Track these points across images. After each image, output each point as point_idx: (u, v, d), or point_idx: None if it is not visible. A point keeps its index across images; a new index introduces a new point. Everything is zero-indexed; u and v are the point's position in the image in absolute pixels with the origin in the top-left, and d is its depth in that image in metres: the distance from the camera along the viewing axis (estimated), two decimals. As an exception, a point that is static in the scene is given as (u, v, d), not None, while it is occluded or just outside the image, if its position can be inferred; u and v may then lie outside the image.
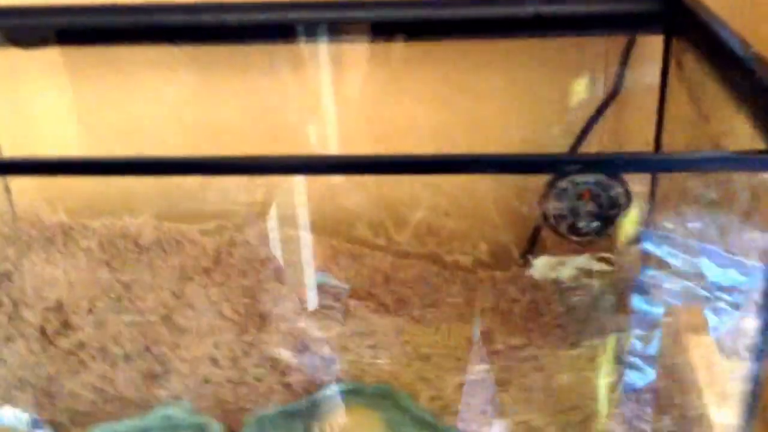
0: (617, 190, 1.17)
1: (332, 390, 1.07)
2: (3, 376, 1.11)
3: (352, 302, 1.23)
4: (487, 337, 1.23)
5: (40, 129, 1.30)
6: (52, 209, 1.32)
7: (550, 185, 1.33)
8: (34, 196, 1.33)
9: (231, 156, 0.74)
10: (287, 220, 1.33)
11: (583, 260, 1.34)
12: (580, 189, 1.30)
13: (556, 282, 1.32)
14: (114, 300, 1.23)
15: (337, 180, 1.28)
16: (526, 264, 1.35)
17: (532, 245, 1.36)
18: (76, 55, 1.24)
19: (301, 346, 1.16)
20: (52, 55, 1.22)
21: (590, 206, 1.29)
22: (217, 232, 1.33)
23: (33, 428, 0.99)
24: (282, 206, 1.33)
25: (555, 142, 1.29)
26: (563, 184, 1.29)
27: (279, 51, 1.22)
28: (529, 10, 1.05)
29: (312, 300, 1.23)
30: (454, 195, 1.31)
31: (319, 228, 1.31)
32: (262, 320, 1.20)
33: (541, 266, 1.34)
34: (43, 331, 1.18)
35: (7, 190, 1.30)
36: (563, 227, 1.32)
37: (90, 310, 1.21)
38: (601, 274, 1.31)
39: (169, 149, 1.28)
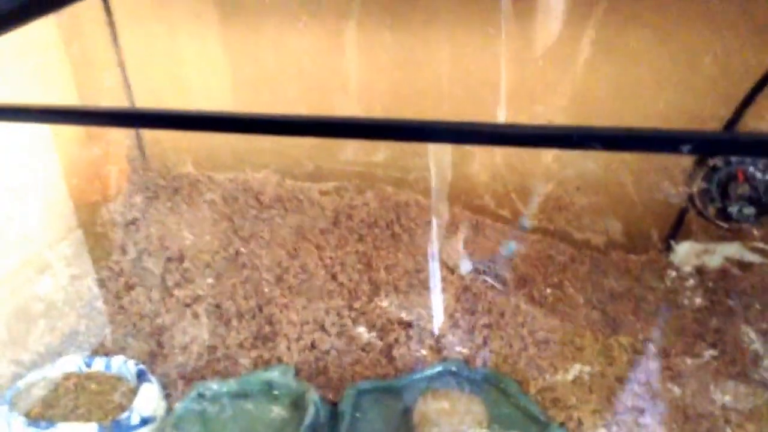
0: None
1: (435, 370, 1.02)
2: (120, 322, 1.15)
3: (469, 276, 1.16)
4: (614, 326, 1.12)
5: (168, 77, 1.31)
6: (180, 159, 1.34)
7: (699, 163, 1.18)
8: (165, 145, 1.35)
9: (357, 118, 0.69)
10: (409, 184, 1.27)
11: (734, 249, 1.18)
12: (732, 169, 1.14)
13: (699, 271, 1.17)
14: (232, 255, 1.24)
15: (463, 146, 1.20)
16: (667, 249, 1.21)
17: (676, 229, 1.22)
18: (207, 4, 1.23)
19: (411, 319, 1.11)
20: (180, 2, 1.21)
21: (744, 189, 1.13)
22: (337, 193, 1.30)
23: (139, 379, 1.02)
24: (404, 170, 1.27)
25: (711, 112, 1.13)
26: (714, 162, 1.14)
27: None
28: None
29: (429, 271, 1.18)
30: (588, 168, 1.19)
31: (441, 194, 1.25)
32: (375, 288, 1.16)
33: (683, 253, 1.20)
34: (163, 281, 1.21)
35: (138, 137, 1.34)
36: (711, 211, 1.17)
37: (208, 264, 1.22)
38: (755, 266, 1.15)
39: (293, 102, 1.25)
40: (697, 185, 1.15)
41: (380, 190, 1.27)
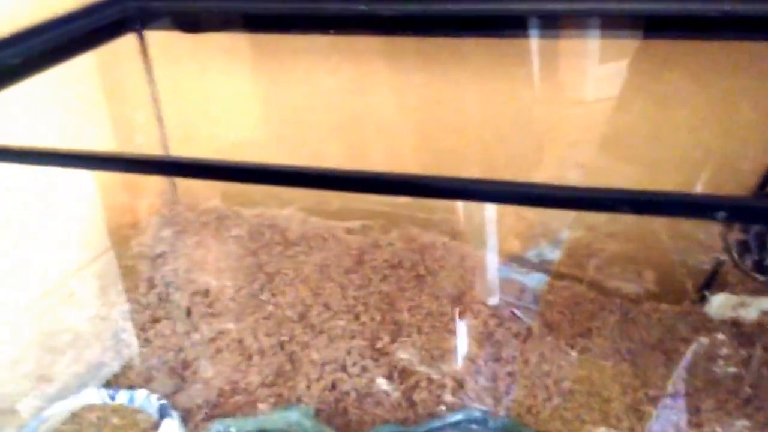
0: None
1: (457, 417, 1.00)
2: (144, 355, 1.15)
3: (493, 321, 1.14)
4: (643, 378, 1.09)
5: (200, 113, 1.33)
6: (209, 193, 1.36)
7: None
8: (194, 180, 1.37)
9: (382, 173, 0.70)
10: (434, 225, 1.26)
11: (773, 303, 1.14)
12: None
13: (735, 324, 1.13)
14: (256, 291, 1.23)
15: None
16: (701, 300, 1.18)
17: (711, 280, 1.18)
18: (240, 43, 1.25)
19: (433, 363, 1.09)
20: (214, 41, 1.24)
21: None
22: (363, 232, 1.29)
23: (161, 414, 1.02)
24: (430, 210, 1.27)
25: (749, 157, 1.10)
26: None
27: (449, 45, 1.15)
28: (720, 8, 0.89)
29: (451, 314, 1.16)
30: (620, 215, 1.17)
31: (463, 236, 1.23)
32: (397, 329, 1.15)
33: (718, 304, 1.16)
34: (188, 315, 1.21)
35: (170, 173, 1.35)
36: (748, 263, 1.14)
37: (233, 299, 1.22)
38: (794, 322, 1.11)
39: (323, 141, 1.26)
40: (734, 236, 1.12)
41: (405, 230, 1.27)
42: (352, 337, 1.14)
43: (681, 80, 1.07)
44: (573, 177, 1.17)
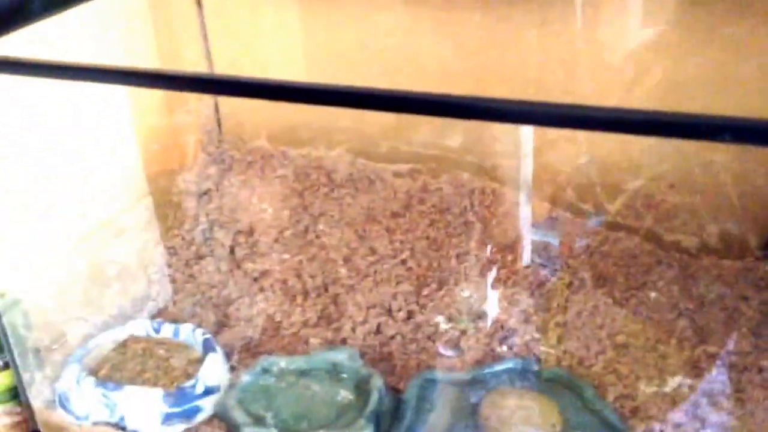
0: None
1: (506, 366, 0.97)
2: (188, 291, 1.14)
3: (545, 272, 1.10)
4: (701, 336, 1.04)
5: (248, 49, 1.30)
6: (255, 133, 1.33)
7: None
8: (241, 117, 1.34)
9: (435, 94, 0.65)
10: (486, 171, 1.22)
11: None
12: None
13: (802, 284, 1.08)
14: (301, 232, 1.21)
15: (547, 133, 1.14)
16: (767, 256, 1.12)
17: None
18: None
19: (481, 312, 1.06)
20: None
21: None
22: (411, 176, 1.25)
23: (205, 348, 1.01)
24: (482, 155, 1.22)
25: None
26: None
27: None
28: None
29: (500, 263, 1.12)
30: (684, 164, 1.11)
31: (516, 184, 1.19)
32: (445, 276, 1.12)
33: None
34: (232, 253, 1.20)
35: (216, 110, 1.33)
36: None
37: (277, 240, 1.20)
38: None
39: (371, 79, 1.22)
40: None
41: (455, 176, 1.22)
42: (398, 282, 1.11)
43: (754, 25, 1.00)
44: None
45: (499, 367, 0.97)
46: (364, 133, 1.28)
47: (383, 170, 1.26)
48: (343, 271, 1.14)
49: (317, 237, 1.20)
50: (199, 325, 1.07)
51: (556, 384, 0.94)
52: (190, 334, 1.04)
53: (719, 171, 1.10)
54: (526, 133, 1.12)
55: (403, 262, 1.14)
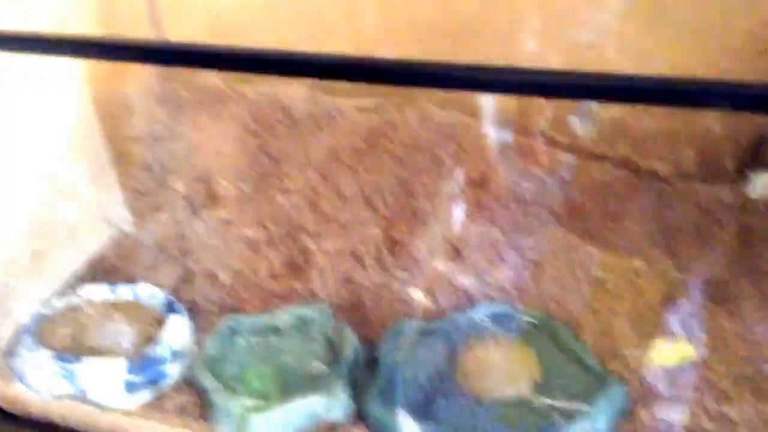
0: None
1: (480, 312, 0.94)
2: (147, 247, 1.08)
3: (516, 206, 1.06)
4: (678, 265, 1.02)
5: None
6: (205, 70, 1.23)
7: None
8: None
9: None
10: (454, 104, 1.15)
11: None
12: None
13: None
14: (261, 176, 1.14)
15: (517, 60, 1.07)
16: (743, 180, 1.09)
17: (753, 157, 1.09)
18: None
19: (454, 254, 1.02)
20: None
21: None
22: (375, 111, 1.18)
23: (168, 309, 0.96)
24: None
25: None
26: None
27: None
28: None
29: (472, 201, 1.07)
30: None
31: (485, 114, 1.12)
32: (415, 218, 1.07)
33: (761, 184, 1.08)
34: (189, 202, 1.13)
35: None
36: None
37: (236, 185, 1.14)
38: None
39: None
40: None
41: (422, 109, 1.16)
42: (366, 227, 1.06)
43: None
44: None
45: (474, 314, 0.94)
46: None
47: (346, 106, 1.19)
48: (308, 216, 1.08)
49: (280, 180, 1.14)
50: (159, 284, 1.01)
51: (533, 327, 0.92)
52: (150, 295, 0.99)
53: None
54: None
55: (370, 204, 1.09)
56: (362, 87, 1.18)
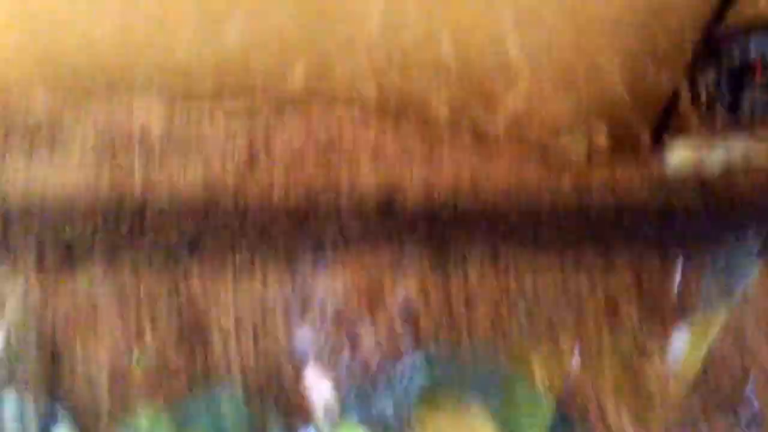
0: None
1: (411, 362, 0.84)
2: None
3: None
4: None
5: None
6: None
7: (705, 44, 0.98)
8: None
9: None
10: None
11: (743, 145, 0.99)
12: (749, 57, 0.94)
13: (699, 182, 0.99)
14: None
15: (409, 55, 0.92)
16: (660, 147, 1.01)
17: (668, 121, 1.02)
18: None
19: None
20: None
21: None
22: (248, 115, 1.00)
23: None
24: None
25: None
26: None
27: None
28: None
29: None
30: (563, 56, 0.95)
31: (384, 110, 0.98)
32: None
33: (678, 156, 1.01)
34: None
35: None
36: (720, 104, 0.98)
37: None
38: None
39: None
40: (704, 75, 0.95)
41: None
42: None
43: None
44: None
45: (405, 367, 0.83)
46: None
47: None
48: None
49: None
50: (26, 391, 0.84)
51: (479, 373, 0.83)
52: (17, 408, 0.82)
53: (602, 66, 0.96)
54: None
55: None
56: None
